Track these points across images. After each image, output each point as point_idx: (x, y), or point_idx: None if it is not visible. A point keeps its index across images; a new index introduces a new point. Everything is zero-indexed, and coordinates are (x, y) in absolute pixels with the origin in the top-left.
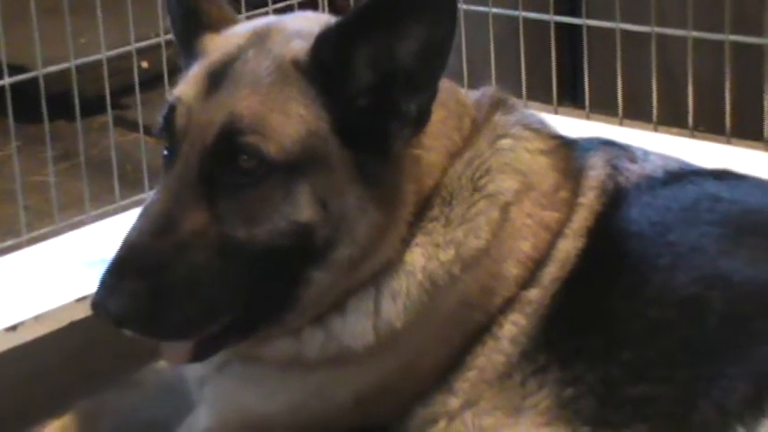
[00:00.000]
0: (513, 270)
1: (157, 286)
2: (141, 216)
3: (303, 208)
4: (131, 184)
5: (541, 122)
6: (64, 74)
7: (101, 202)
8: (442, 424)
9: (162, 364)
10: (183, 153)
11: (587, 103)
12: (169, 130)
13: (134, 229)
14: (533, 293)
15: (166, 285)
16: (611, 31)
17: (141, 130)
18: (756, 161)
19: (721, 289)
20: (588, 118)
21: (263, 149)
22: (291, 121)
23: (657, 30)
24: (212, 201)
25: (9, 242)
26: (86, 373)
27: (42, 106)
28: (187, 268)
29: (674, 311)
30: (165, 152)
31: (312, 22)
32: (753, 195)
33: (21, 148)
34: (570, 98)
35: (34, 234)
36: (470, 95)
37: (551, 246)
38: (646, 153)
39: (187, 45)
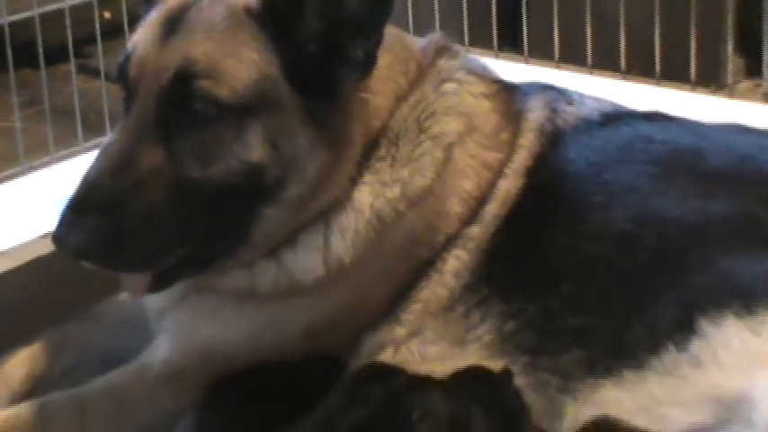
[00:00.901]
0: (456, 208)
1: (115, 221)
2: (100, 155)
3: (254, 148)
4: (94, 130)
5: (484, 68)
6: (28, 23)
7: (65, 146)
8: (389, 351)
9: (123, 296)
10: (140, 95)
11: (526, 48)
12: (125, 79)
13: (93, 167)
14: (475, 230)
15: (124, 221)
16: None
17: (103, 77)
18: (684, 101)
19: (654, 226)
20: (527, 62)
21: (216, 93)
22: (244, 65)
23: None
24: (168, 141)
25: None
26: (52, 307)
27: (8, 54)
28: (144, 205)
29: (610, 247)
30: (124, 96)
31: None
32: (683, 136)
33: None
34: (510, 43)
35: (1, 175)
36: (417, 42)
37: (493, 185)
38: (582, 96)
39: None
